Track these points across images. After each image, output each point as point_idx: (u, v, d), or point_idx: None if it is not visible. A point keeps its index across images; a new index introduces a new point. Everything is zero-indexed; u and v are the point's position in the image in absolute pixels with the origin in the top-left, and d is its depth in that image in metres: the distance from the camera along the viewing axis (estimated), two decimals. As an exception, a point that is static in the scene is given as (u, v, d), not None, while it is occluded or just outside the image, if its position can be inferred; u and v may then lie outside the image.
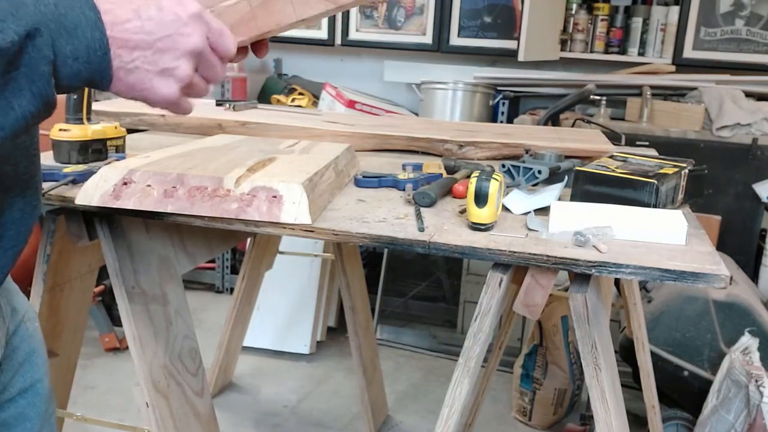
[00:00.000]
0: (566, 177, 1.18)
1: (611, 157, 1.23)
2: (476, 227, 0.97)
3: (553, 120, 2.34)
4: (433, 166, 1.34)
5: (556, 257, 0.89)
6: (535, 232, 0.98)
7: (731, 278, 0.85)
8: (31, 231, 0.68)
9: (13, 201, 0.65)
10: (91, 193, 0.97)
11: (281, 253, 2.45)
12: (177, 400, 1.21)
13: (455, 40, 3.18)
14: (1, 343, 0.67)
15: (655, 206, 1.05)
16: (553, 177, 1.17)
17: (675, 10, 2.89)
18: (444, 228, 0.98)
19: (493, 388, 2.53)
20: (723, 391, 1.76)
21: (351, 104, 3.03)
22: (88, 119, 1.24)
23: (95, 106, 1.37)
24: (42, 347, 0.78)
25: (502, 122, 2.97)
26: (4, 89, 0.52)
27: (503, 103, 3.00)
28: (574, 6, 3.01)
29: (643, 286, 2.22)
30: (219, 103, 1.89)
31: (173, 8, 0.60)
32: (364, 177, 1.22)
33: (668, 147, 2.30)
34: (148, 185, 0.96)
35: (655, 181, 1.05)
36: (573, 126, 2.39)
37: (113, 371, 2.61)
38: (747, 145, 2.51)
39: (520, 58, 2.75)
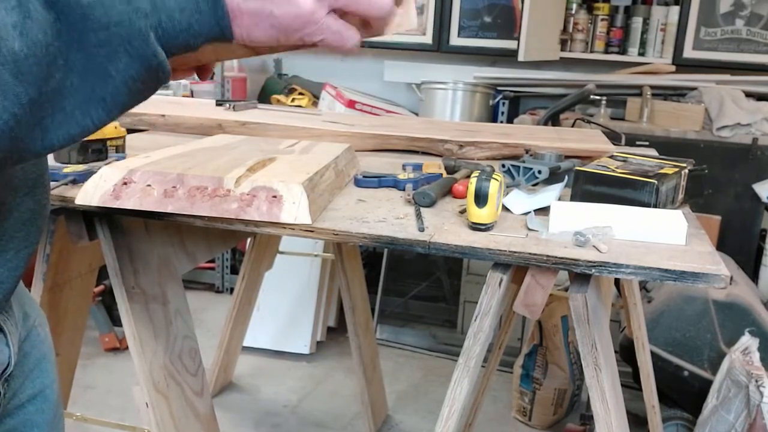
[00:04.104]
0: (566, 177, 1.18)
1: (611, 157, 1.23)
2: (476, 227, 0.97)
3: (553, 120, 2.34)
4: (433, 166, 1.34)
5: (556, 257, 0.89)
6: (535, 232, 0.98)
7: (731, 278, 0.85)
8: (41, 231, 0.67)
9: (22, 201, 0.63)
10: (91, 193, 0.97)
11: (281, 253, 2.45)
12: (177, 400, 1.21)
13: (455, 40, 3.18)
14: (14, 350, 0.65)
15: (655, 206, 1.05)
16: (553, 177, 1.17)
17: (675, 10, 2.89)
18: (444, 228, 0.98)
19: (493, 388, 2.53)
20: (723, 391, 1.76)
21: (351, 104, 3.03)
22: (88, 119, 1.24)
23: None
24: (51, 352, 0.77)
25: (502, 122, 2.98)
26: (95, 53, 0.46)
27: (503, 103, 3.00)
28: (574, 6, 3.01)
29: (643, 286, 2.22)
30: (219, 103, 1.89)
31: None
32: (364, 177, 1.22)
33: (668, 147, 2.30)
34: (148, 185, 0.96)
35: (655, 181, 1.05)
36: (573, 126, 2.39)
37: (113, 371, 2.61)
38: (747, 145, 2.51)
39: (520, 58, 2.75)
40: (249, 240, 2.39)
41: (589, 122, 2.40)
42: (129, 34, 0.46)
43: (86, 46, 0.46)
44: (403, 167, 1.32)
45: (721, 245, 2.45)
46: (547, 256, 0.89)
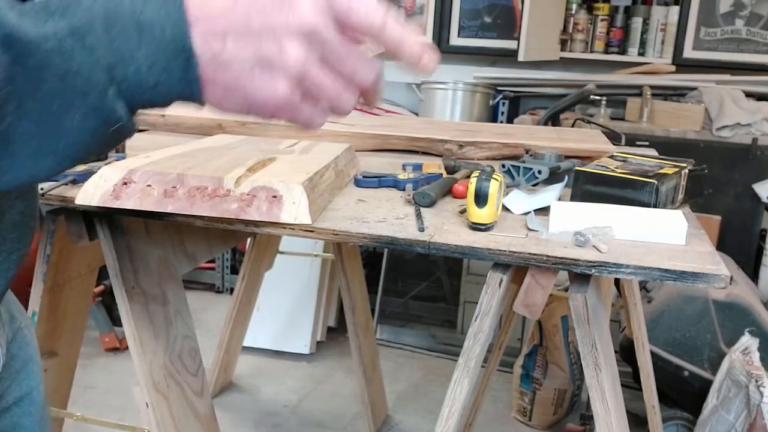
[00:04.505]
0: (566, 177, 1.18)
1: (611, 157, 1.23)
2: (476, 227, 0.97)
3: (553, 120, 2.34)
4: (433, 166, 1.34)
5: (556, 257, 0.89)
6: (535, 232, 0.98)
7: (731, 278, 0.85)
8: (33, 233, 0.67)
9: (14, 204, 0.62)
10: (91, 193, 0.97)
11: (281, 253, 2.45)
12: (177, 400, 1.21)
13: (455, 40, 3.18)
14: (3, 351, 0.65)
15: (655, 206, 1.05)
16: (553, 177, 1.17)
17: (675, 10, 2.89)
18: (444, 228, 0.98)
19: (493, 388, 2.53)
20: (723, 391, 1.76)
21: (351, 104, 3.02)
22: (88, 119, 1.24)
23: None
24: (37, 354, 0.76)
25: (502, 122, 2.97)
26: (48, 104, 0.43)
27: (503, 103, 3.00)
28: (574, 6, 3.01)
29: (643, 286, 2.22)
30: (219, 103, 1.88)
31: None
32: (364, 177, 1.22)
33: (668, 147, 2.30)
34: (148, 185, 0.96)
35: (655, 181, 1.05)
36: (573, 126, 2.39)
37: (113, 371, 2.61)
38: (747, 145, 2.51)
39: (520, 58, 2.75)
40: (249, 240, 2.39)
41: (589, 122, 2.40)
42: (86, 86, 0.43)
43: (41, 94, 0.43)
44: (403, 167, 1.32)
45: (721, 245, 2.45)
46: (547, 256, 0.89)
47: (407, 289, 3.09)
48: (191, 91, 0.46)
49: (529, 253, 0.90)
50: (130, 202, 0.96)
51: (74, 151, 0.45)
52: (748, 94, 2.64)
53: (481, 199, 0.96)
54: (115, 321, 2.69)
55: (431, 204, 1.09)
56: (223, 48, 0.45)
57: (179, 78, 0.45)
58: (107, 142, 0.47)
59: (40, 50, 0.42)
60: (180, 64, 0.45)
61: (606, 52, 3.02)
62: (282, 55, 0.45)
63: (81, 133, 0.44)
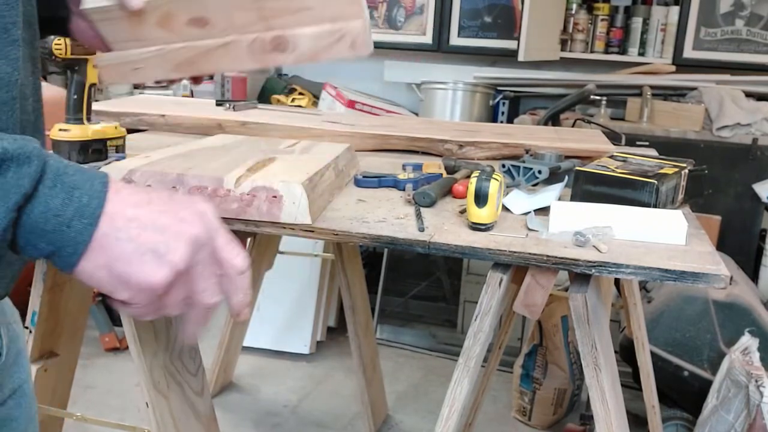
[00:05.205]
0: (566, 177, 1.18)
1: (611, 157, 1.23)
2: (476, 227, 0.97)
3: (553, 120, 2.34)
4: (433, 166, 1.34)
5: (556, 257, 0.89)
6: (535, 232, 0.98)
7: (731, 278, 0.85)
8: None
9: None
10: (91, 193, 0.97)
11: (281, 253, 2.45)
12: (177, 400, 1.21)
13: (455, 40, 3.18)
14: (4, 342, 0.67)
15: (655, 206, 1.05)
16: (553, 177, 1.17)
17: (675, 10, 2.89)
18: (444, 228, 0.98)
19: (493, 388, 2.53)
20: (723, 391, 1.76)
21: (351, 104, 3.03)
22: (88, 119, 1.24)
23: (95, 106, 1.37)
24: (25, 349, 0.78)
25: (502, 122, 2.98)
26: None
27: (503, 103, 3.00)
28: (574, 6, 3.01)
29: (643, 286, 2.22)
30: (219, 103, 1.89)
31: (185, 200, 0.56)
32: (364, 177, 1.22)
33: (668, 147, 2.29)
34: (148, 185, 0.96)
35: (655, 181, 1.05)
36: (573, 126, 2.39)
37: (113, 371, 2.61)
38: (747, 145, 2.51)
39: (520, 58, 2.75)
40: (249, 240, 2.39)
41: (589, 122, 2.40)
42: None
43: None
44: (403, 167, 1.32)
45: (721, 245, 2.45)
46: (547, 256, 0.89)
47: (407, 289, 3.09)
48: (74, 249, 0.51)
49: (529, 253, 0.90)
50: (130, 202, 0.96)
51: None
52: (748, 94, 2.64)
53: (481, 199, 0.96)
54: (115, 321, 2.69)
55: (431, 204, 1.10)
56: (126, 227, 0.52)
57: (74, 234, 0.50)
58: None
59: None
60: (81, 224, 0.50)
61: (606, 52, 3.02)
62: (173, 251, 0.53)
63: None
